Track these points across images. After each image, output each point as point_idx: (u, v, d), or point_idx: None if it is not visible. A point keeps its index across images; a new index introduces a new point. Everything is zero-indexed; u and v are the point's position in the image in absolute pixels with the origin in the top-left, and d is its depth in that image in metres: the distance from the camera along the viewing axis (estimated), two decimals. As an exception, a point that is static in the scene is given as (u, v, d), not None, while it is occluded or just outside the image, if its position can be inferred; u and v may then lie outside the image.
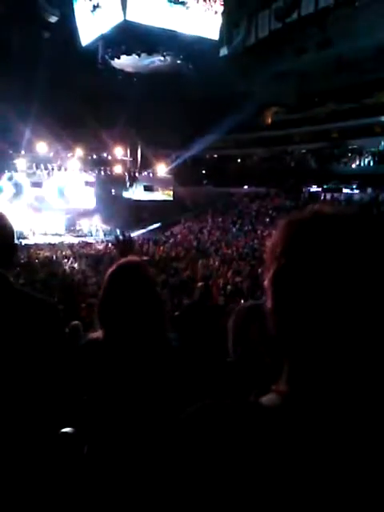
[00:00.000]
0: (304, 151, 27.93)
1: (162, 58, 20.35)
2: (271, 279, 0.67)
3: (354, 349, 0.61)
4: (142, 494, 1.29)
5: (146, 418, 1.44)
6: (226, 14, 19.27)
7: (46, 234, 25.56)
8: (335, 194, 23.65)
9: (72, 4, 19.23)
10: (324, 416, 0.61)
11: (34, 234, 25.29)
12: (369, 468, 0.59)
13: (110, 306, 1.57)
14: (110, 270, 1.62)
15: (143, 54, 19.74)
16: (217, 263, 16.04)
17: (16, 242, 1.64)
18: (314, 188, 24.96)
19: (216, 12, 18.91)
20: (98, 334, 1.61)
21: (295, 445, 0.60)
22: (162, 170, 30.35)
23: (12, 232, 1.62)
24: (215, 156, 32.24)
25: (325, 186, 24.35)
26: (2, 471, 1.39)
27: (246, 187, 28.60)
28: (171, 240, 23.94)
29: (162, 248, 21.66)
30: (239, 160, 31.60)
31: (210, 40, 19.88)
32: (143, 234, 27.09)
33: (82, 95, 22.23)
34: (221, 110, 23.73)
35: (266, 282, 0.69)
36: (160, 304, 1.60)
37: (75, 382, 1.60)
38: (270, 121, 29.46)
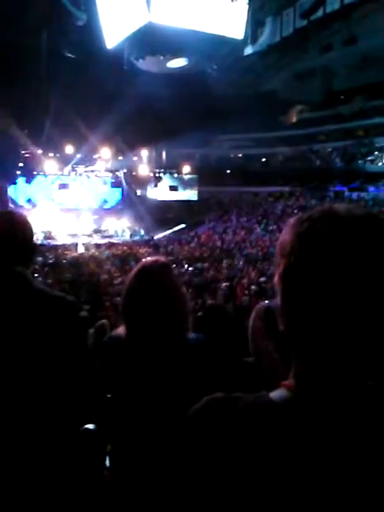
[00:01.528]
0: (329, 150, 27.56)
1: (187, 59, 20.39)
2: (280, 277, 0.68)
3: (360, 346, 0.62)
4: (163, 489, 1.31)
5: (164, 414, 1.45)
6: (250, 13, 19.17)
7: (73, 235, 25.91)
8: (361, 193, 23.26)
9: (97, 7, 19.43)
10: (331, 411, 0.62)
11: (61, 234, 25.68)
12: (373, 460, 0.60)
13: (133, 303, 1.58)
14: (135, 269, 1.63)
15: (168, 55, 19.82)
16: (241, 263, 15.97)
17: (35, 241, 1.66)
18: (340, 187, 24.61)
19: (240, 11, 18.84)
20: (121, 330, 1.64)
21: (302, 438, 0.61)
22: (186, 170, 30.37)
23: (31, 232, 1.65)
24: (240, 155, 32.10)
25: (351, 185, 23.97)
26: (26, 466, 1.42)
27: (270, 187, 28.40)
28: (195, 240, 23.92)
29: (186, 248, 21.68)
30: (264, 159, 31.37)
31: (235, 39, 19.81)
32: (168, 234, 27.18)
33: (108, 97, 22.45)
34: (245, 109, 23.61)
35: (275, 280, 0.70)
36: (182, 304, 1.60)
37: (97, 377, 1.61)
38: (294, 119, 29.16)
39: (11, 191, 25.64)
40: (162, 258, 1.70)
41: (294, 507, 0.60)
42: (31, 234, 1.64)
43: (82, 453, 1.61)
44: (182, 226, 27.54)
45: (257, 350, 1.47)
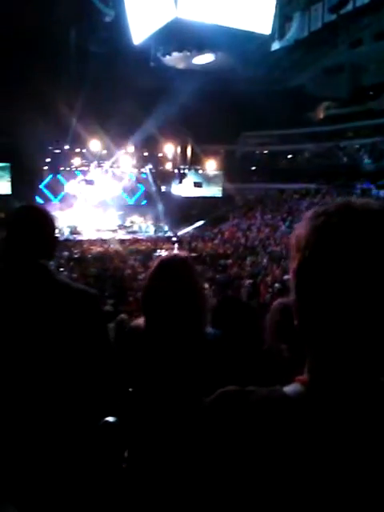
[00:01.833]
0: (357, 146, 27.07)
1: (213, 54, 20.33)
2: (295, 271, 0.67)
3: (374, 341, 0.61)
4: (179, 480, 1.31)
5: (179, 407, 1.46)
6: (278, 8, 18.96)
7: (98, 230, 26.18)
8: (389, 191, 22.79)
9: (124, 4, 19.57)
10: (344, 405, 0.62)
11: (87, 230, 25.99)
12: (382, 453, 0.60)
13: (152, 297, 1.59)
14: (155, 264, 1.65)
15: (194, 51, 19.79)
16: (265, 261, 15.88)
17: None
18: (367, 184, 24.15)
19: (268, 6, 18.65)
20: (140, 321, 1.65)
21: (314, 432, 0.61)
22: (211, 166, 30.30)
23: (54, 226, 1.68)
24: (265, 152, 31.82)
25: (378, 183, 23.50)
26: (47, 458, 1.45)
27: (296, 184, 28.10)
28: (219, 237, 23.86)
29: (209, 244, 21.67)
30: (290, 156, 31.03)
31: (262, 35, 19.64)
32: (191, 230, 27.20)
33: (134, 93, 22.58)
34: (272, 105, 23.40)
35: (290, 274, 0.69)
36: (201, 299, 1.60)
37: (117, 369, 1.63)
38: (322, 115, 28.77)
39: (38, 187, 26.05)
40: (182, 253, 1.71)
41: (305, 500, 0.60)
42: (53, 228, 1.68)
43: (102, 445, 1.63)
44: (206, 221, 27.44)
45: (269, 347, 1.46)
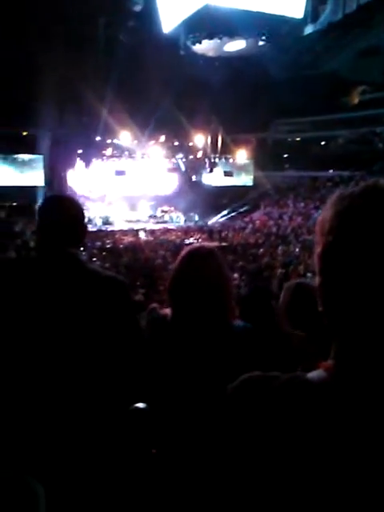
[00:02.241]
0: (394, 132, 26.24)
1: (244, 41, 20.04)
2: (320, 255, 0.66)
3: None
4: (206, 466, 1.31)
5: (205, 397, 1.46)
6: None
7: (129, 221, 26.43)
8: None
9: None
10: (369, 391, 0.61)
11: (118, 220, 26.27)
12: None
13: (179, 286, 1.61)
14: (183, 253, 1.66)
15: (225, 38, 19.55)
16: (297, 250, 15.69)
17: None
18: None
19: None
20: (168, 310, 1.66)
21: (337, 417, 0.60)
22: (242, 155, 30.04)
23: (83, 215, 1.70)
24: (298, 139, 31.24)
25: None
26: (78, 443, 1.47)
27: (330, 171, 27.50)
28: (250, 226, 23.72)
29: (240, 234, 21.57)
30: (323, 143, 30.38)
31: (294, 18, 19.20)
32: (222, 219, 27.12)
33: (164, 82, 22.52)
34: (304, 90, 22.90)
35: (314, 258, 0.68)
36: (226, 290, 1.61)
37: (146, 355, 1.64)
38: (356, 100, 27.95)
39: (70, 178, 26.41)
40: (209, 244, 1.73)
41: (328, 484, 0.59)
42: (82, 217, 1.70)
43: (132, 430, 1.65)
44: (234, 211, 27.26)
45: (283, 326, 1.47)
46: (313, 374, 0.66)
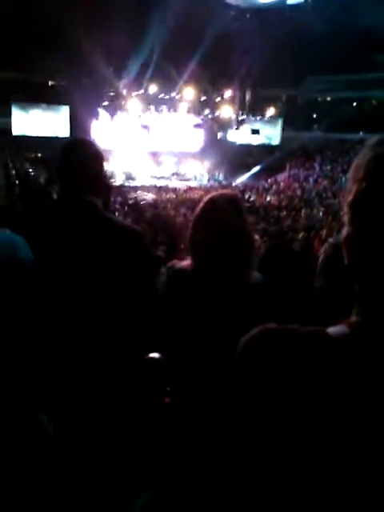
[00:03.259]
0: None
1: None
2: (350, 203, 0.62)
3: None
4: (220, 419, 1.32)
5: (221, 348, 1.41)
6: None
7: (152, 177, 26.23)
8: None
9: None
10: None
11: (141, 176, 26.10)
12: None
13: (199, 233, 1.57)
14: (205, 199, 1.62)
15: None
16: (321, 214, 15.42)
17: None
18: None
19: None
20: (187, 262, 1.63)
21: (357, 373, 0.58)
22: (270, 112, 29.18)
23: (101, 161, 1.65)
24: (328, 99, 30.09)
25: None
26: (93, 391, 1.49)
27: (360, 133, 26.56)
28: (274, 187, 23.33)
29: (263, 195, 21.27)
30: (355, 103, 29.21)
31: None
32: (246, 179, 26.71)
33: (194, 35, 21.74)
34: (338, 47, 21.82)
35: (344, 206, 0.64)
36: (248, 238, 1.57)
37: (162, 305, 1.63)
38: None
39: (94, 130, 26.11)
40: (232, 192, 1.66)
41: (344, 441, 0.57)
42: (102, 164, 1.65)
43: (147, 379, 1.66)
44: (259, 171, 26.73)
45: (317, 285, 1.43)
46: (334, 329, 0.64)
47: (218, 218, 1.53)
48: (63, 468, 1.32)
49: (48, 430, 1.19)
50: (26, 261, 1.25)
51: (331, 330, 0.63)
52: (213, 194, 1.65)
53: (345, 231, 0.64)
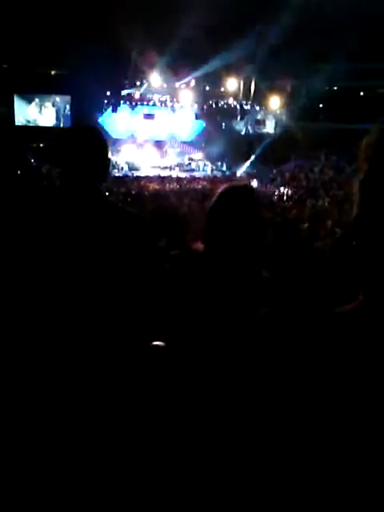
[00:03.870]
0: None
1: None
2: (360, 183, 0.62)
3: None
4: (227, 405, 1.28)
5: (228, 334, 1.43)
6: None
7: (155, 167, 26.15)
8: None
9: None
10: None
11: (144, 166, 26.02)
12: None
13: (214, 221, 1.57)
14: (220, 189, 1.63)
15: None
16: (326, 205, 15.33)
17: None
18: None
19: None
20: (198, 245, 1.64)
21: (365, 347, 0.59)
22: (275, 103, 28.97)
23: (106, 148, 1.68)
24: (335, 88, 29.80)
25: None
26: (97, 378, 1.50)
27: (367, 124, 26.29)
28: (279, 178, 23.25)
29: (268, 186, 21.21)
30: (362, 93, 28.94)
31: None
32: (250, 170, 26.64)
33: (197, 21, 21.49)
34: (345, 35, 21.53)
35: (354, 186, 0.65)
36: (262, 228, 1.58)
37: (166, 293, 1.64)
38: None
39: (98, 120, 26.00)
40: (246, 183, 1.71)
41: (356, 414, 0.57)
42: (107, 152, 1.68)
43: (149, 367, 1.68)
44: (264, 161, 26.66)
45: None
46: (341, 308, 0.65)
47: (234, 210, 1.55)
48: (65, 457, 1.38)
49: None
50: None
51: (338, 309, 0.66)
52: (228, 184, 1.68)
53: (354, 211, 0.64)
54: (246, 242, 1.52)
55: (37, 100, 25.73)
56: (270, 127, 29.23)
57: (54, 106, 26.12)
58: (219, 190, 1.63)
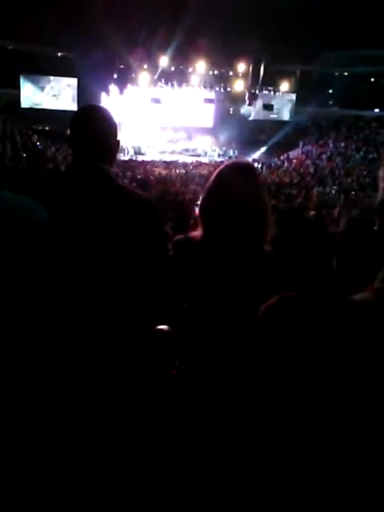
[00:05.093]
0: None
1: None
2: None
3: None
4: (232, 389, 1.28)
5: (231, 318, 1.42)
6: None
7: (162, 152, 25.96)
8: None
9: None
10: None
11: (151, 151, 25.83)
12: None
13: (212, 200, 1.53)
14: (220, 167, 1.58)
15: None
16: (333, 192, 15.18)
17: (118, 138, 1.64)
18: None
19: None
20: (197, 233, 1.60)
21: (380, 336, 0.57)
22: (284, 87, 28.58)
23: (115, 129, 1.63)
24: (345, 74, 29.32)
25: None
26: (103, 360, 1.50)
27: (376, 110, 25.90)
28: (286, 164, 23.03)
29: (275, 172, 21.02)
30: (373, 79, 28.45)
31: None
32: (258, 156, 26.41)
33: (205, 6, 21.13)
34: (356, 20, 21.09)
35: (380, 172, 0.65)
36: (262, 208, 1.52)
37: (174, 277, 1.62)
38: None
39: (104, 103, 25.80)
40: (246, 161, 1.65)
41: (368, 407, 0.56)
42: (116, 132, 1.63)
43: (155, 351, 1.67)
44: (271, 147, 26.41)
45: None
46: (358, 296, 0.63)
47: (232, 187, 1.49)
48: (74, 436, 1.39)
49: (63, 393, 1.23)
50: (44, 220, 1.30)
51: (355, 297, 0.63)
52: (228, 162, 1.62)
53: (380, 195, 0.64)
54: (244, 219, 1.47)
55: (43, 83, 25.52)
56: (278, 112, 28.87)
57: (60, 88, 25.90)
58: (219, 168, 1.58)
